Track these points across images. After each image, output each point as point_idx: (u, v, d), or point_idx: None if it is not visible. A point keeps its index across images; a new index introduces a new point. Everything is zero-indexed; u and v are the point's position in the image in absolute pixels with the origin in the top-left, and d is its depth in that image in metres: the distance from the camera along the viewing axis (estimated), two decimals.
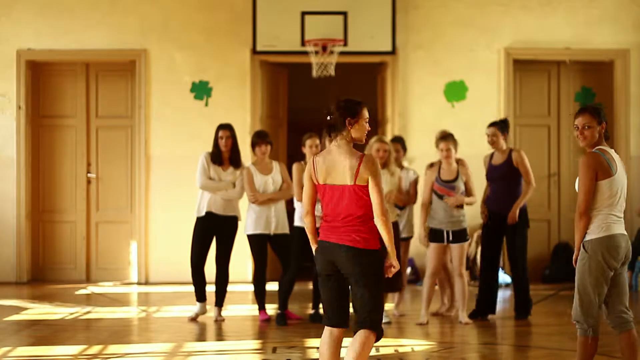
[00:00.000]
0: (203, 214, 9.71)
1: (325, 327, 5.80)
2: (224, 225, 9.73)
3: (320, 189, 5.81)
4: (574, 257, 6.18)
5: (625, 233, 6.19)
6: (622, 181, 6.19)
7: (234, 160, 9.80)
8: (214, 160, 9.76)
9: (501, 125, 9.92)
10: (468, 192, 9.63)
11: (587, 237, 6.11)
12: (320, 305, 9.63)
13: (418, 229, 10.12)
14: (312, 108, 15.56)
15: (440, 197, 9.58)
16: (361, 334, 5.66)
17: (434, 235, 9.62)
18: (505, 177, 9.83)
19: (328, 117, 5.82)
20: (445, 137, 9.67)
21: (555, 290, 12.51)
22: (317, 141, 9.68)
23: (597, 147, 6.17)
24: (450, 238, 9.56)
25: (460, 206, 9.59)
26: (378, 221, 5.66)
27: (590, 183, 6.08)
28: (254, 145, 9.81)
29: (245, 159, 10.54)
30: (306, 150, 9.70)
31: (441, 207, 9.56)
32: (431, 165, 9.88)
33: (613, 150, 6.26)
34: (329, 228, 5.77)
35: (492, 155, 10.03)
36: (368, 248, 5.66)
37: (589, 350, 6.16)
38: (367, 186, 5.66)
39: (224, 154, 9.78)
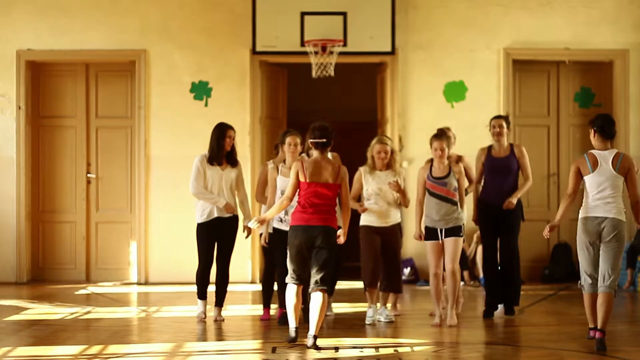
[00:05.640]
0: (210, 218, 9.60)
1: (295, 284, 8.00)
2: (226, 226, 9.68)
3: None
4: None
5: None
6: None
7: (232, 159, 9.75)
8: (213, 161, 9.63)
9: (506, 119, 10.09)
10: (460, 190, 9.47)
11: None
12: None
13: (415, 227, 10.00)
14: (312, 108, 15.67)
15: (433, 195, 9.49)
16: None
17: (428, 233, 9.48)
18: (510, 170, 9.89)
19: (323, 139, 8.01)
20: (439, 136, 9.54)
21: (554, 290, 12.52)
22: (298, 140, 9.49)
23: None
24: (444, 234, 9.40)
25: (454, 204, 9.47)
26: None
27: None
28: (284, 141, 9.48)
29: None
30: (285, 148, 9.48)
31: (434, 205, 9.48)
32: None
33: None
34: None
35: (490, 148, 10.02)
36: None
37: None
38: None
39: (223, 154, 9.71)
